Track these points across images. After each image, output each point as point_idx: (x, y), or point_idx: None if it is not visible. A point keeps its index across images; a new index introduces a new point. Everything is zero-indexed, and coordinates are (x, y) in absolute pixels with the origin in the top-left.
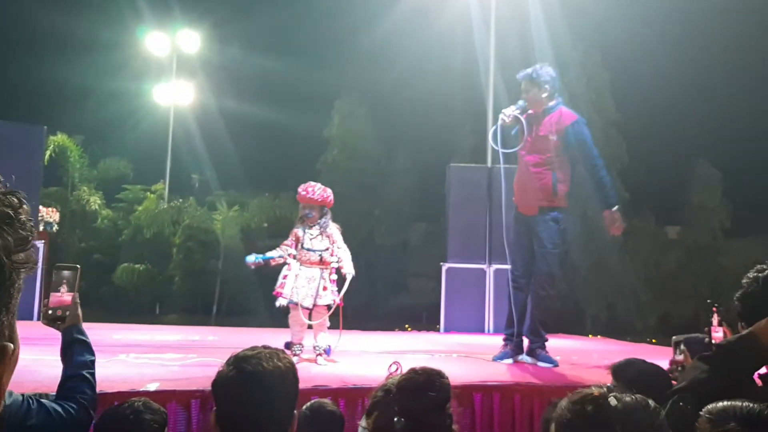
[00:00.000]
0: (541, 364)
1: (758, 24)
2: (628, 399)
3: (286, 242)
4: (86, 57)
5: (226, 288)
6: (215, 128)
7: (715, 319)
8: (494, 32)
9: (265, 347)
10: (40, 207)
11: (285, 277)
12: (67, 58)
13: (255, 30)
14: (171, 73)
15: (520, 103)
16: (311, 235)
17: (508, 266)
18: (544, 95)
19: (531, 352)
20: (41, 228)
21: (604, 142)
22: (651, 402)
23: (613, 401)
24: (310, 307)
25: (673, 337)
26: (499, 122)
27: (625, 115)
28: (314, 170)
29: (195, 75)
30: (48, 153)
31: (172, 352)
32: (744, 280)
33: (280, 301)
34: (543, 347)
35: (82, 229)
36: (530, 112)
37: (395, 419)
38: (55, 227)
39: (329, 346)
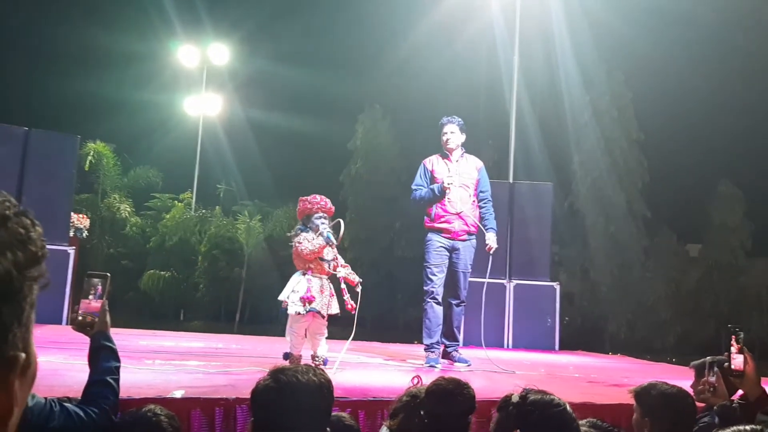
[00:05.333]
0: (457, 364)
1: None
2: (531, 397)
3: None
4: (120, 69)
5: (249, 296)
6: (242, 139)
7: (734, 345)
8: (518, 49)
9: (306, 364)
10: (72, 213)
11: (309, 281)
12: (101, 70)
13: (282, 43)
14: (201, 84)
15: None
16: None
17: (530, 282)
18: (463, 140)
19: (447, 355)
20: (72, 234)
21: (626, 160)
22: (556, 402)
23: (515, 398)
24: (325, 315)
25: (707, 358)
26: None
27: (648, 134)
28: (338, 182)
29: (224, 86)
30: (88, 159)
31: (197, 360)
32: None
33: (299, 308)
34: (457, 350)
35: (111, 236)
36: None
37: (419, 421)
38: (85, 233)
39: (326, 357)
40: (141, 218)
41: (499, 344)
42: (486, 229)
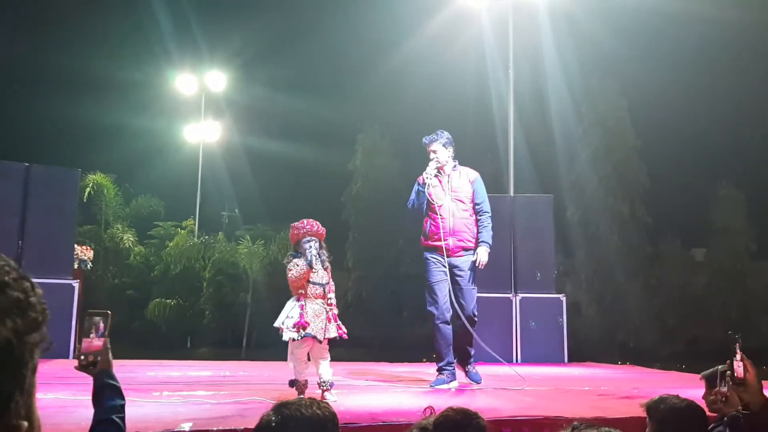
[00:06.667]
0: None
1: None
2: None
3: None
4: (118, 98)
5: (255, 321)
6: (243, 165)
7: (738, 354)
8: (513, 63)
9: (311, 397)
10: (75, 246)
11: (302, 307)
12: (99, 98)
13: (279, 68)
14: (199, 112)
15: (433, 163)
16: (314, 269)
17: (536, 294)
18: (449, 154)
19: (464, 370)
20: (76, 266)
21: (624, 168)
22: None
23: None
24: (322, 340)
25: (718, 368)
26: (428, 179)
27: (645, 141)
28: (339, 203)
29: (222, 113)
30: (87, 191)
31: (204, 389)
32: None
33: (293, 335)
34: (473, 365)
35: (115, 266)
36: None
37: None
38: (90, 265)
39: (333, 381)
40: (144, 247)
41: (507, 359)
42: (478, 243)
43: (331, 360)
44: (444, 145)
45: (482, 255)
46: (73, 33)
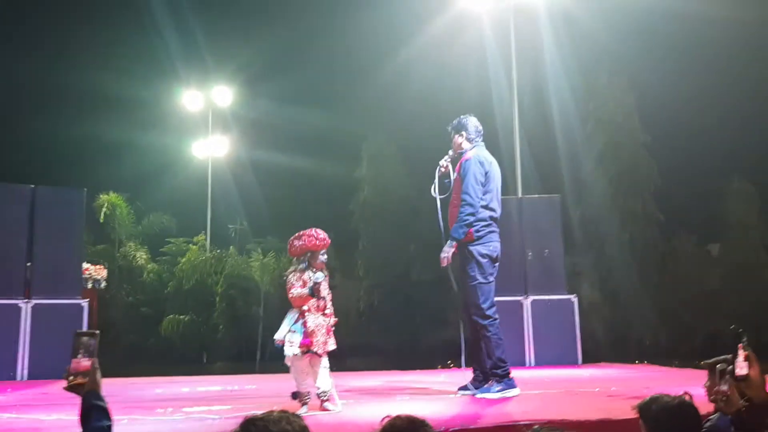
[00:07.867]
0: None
1: None
2: None
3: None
4: (125, 115)
5: (269, 334)
6: (251, 178)
7: (741, 354)
8: (516, 63)
9: (282, 410)
10: (89, 265)
11: (306, 324)
12: (106, 117)
13: (283, 82)
14: (207, 127)
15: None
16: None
17: (547, 296)
18: (461, 141)
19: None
20: (90, 285)
21: (634, 165)
22: None
23: None
24: (322, 354)
25: (717, 366)
26: (438, 171)
27: (655, 136)
28: (347, 211)
29: (229, 128)
30: (103, 211)
31: (210, 405)
32: None
33: (296, 351)
34: (492, 381)
35: (129, 284)
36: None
37: None
38: (104, 284)
39: (332, 392)
40: (157, 264)
41: (520, 363)
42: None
43: (345, 369)
44: (455, 132)
45: (444, 251)
46: (78, 51)
